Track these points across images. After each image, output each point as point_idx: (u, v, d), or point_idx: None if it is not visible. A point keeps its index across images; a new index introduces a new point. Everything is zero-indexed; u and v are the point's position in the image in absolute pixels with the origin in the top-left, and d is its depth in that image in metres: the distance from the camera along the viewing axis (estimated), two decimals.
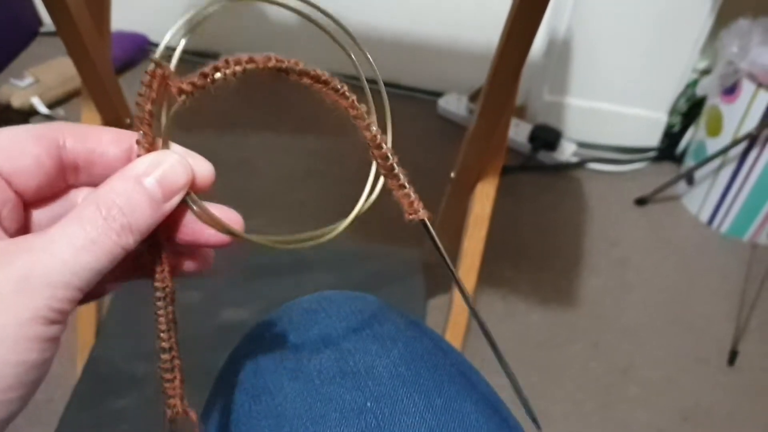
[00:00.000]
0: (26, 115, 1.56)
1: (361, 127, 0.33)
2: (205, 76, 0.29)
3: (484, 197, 0.91)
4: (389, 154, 0.33)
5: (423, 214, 0.34)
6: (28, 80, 1.57)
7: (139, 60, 1.78)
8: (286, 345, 0.45)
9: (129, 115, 0.96)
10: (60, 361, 1.13)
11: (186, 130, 0.31)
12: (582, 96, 1.65)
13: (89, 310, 1.01)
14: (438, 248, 0.35)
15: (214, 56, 1.90)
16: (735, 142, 1.38)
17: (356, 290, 1.18)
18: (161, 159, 0.30)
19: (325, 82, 0.32)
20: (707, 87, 1.45)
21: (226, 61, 0.29)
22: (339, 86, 0.32)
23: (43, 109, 1.56)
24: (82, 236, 0.27)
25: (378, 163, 0.34)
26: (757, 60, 1.33)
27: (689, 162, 1.57)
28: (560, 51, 1.58)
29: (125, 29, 1.76)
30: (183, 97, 0.29)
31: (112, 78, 0.95)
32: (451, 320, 0.92)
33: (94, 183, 0.32)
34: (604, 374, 1.24)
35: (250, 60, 0.29)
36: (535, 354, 1.25)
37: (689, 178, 1.55)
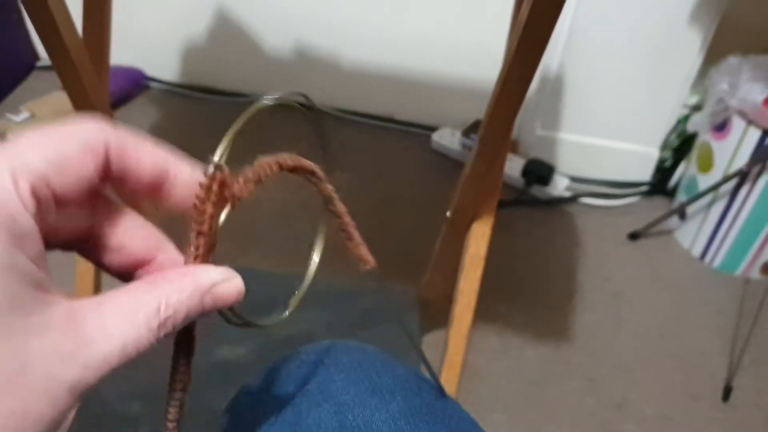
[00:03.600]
0: None
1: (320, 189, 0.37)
2: (258, 181, 0.32)
3: (479, 237, 0.92)
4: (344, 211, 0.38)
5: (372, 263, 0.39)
6: (24, 115, 1.58)
7: (135, 95, 1.79)
8: (285, 397, 0.45)
9: None
10: None
11: None
12: (574, 131, 1.67)
13: None
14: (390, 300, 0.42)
15: (209, 91, 1.92)
16: (726, 179, 1.39)
17: (350, 327, 1.18)
18: (231, 279, 0.31)
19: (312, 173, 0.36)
20: (698, 124, 1.47)
21: (268, 164, 0.33)
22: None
23: None
24: (131, 335, 0.28)
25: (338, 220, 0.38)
26: (746, 97, 1.35)
27: (681, 197, 1.59)
28: (552, 87, 1.60)
29: (121, 63, 1.77)
30: (234, 203, 0.31)
31: (109, 115, 0.96)
32: (447, 361, 0.93)
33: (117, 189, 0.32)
34: (599, 410, 1.23)
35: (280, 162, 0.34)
36: (531, 390, 1.24)
37: (681, 213, 1.56)
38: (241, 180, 0.31)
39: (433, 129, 1.77)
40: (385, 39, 1.67)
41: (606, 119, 1.64)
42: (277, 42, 1.73)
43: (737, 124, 1.38)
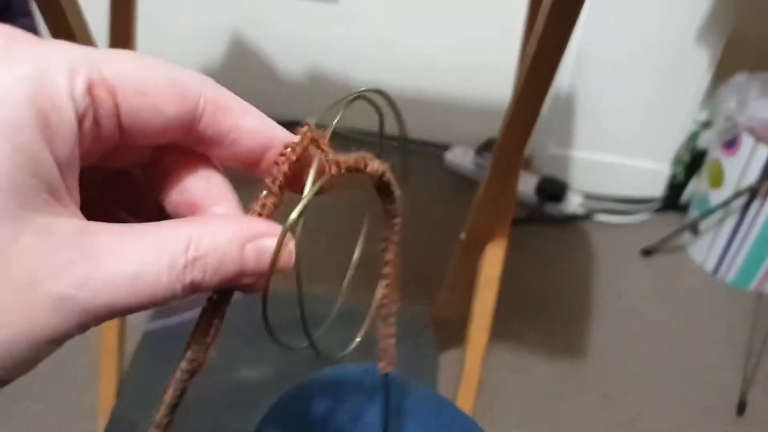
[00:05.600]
0: None
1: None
2: (349, 170, 0.29)
3: (493, 259, 0.94)
4: None
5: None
6: None
7: None
8: (308, 420, 0.48)
9: None
10: (82, 422, 1.16)
11: None
12: (586, 148, 1.69)
13: (110, 371, 1.04)
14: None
15: None
16: (736, 195, 1.41)
17: (369, 346, 1.20)
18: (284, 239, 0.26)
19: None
20: (708, 141, 1.49)
21: (362, 158, 0.30)
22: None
23: None
24: (147, 267, 0.22)
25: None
26: (755, 114, 1.37)
27: (693, 212, 1.60)
28: (564, 105, 1.62)
29: None
30: (330, 174, 0.28)
31: None
32: (464, 379, 0.95)
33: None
34: (613, 425, 1.25)
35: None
36: (545, 405, 1.26)
37: (694, 229, 1.58)
38: (332, 157, 0.28)
39: (446, 148, 1.80)
40: (397, 59, 1.71)
41: (617, 136, 1.66)
42: (290, 65, 1.77)
43: (746, 141, 1.39)
